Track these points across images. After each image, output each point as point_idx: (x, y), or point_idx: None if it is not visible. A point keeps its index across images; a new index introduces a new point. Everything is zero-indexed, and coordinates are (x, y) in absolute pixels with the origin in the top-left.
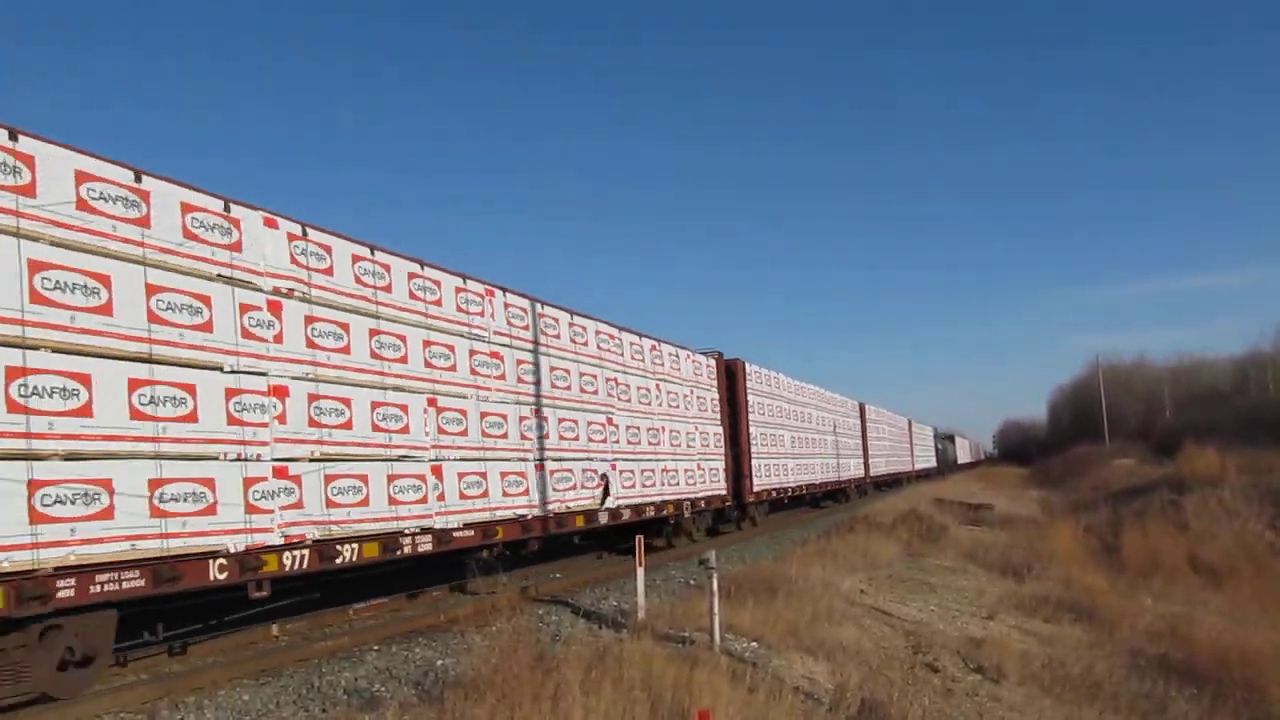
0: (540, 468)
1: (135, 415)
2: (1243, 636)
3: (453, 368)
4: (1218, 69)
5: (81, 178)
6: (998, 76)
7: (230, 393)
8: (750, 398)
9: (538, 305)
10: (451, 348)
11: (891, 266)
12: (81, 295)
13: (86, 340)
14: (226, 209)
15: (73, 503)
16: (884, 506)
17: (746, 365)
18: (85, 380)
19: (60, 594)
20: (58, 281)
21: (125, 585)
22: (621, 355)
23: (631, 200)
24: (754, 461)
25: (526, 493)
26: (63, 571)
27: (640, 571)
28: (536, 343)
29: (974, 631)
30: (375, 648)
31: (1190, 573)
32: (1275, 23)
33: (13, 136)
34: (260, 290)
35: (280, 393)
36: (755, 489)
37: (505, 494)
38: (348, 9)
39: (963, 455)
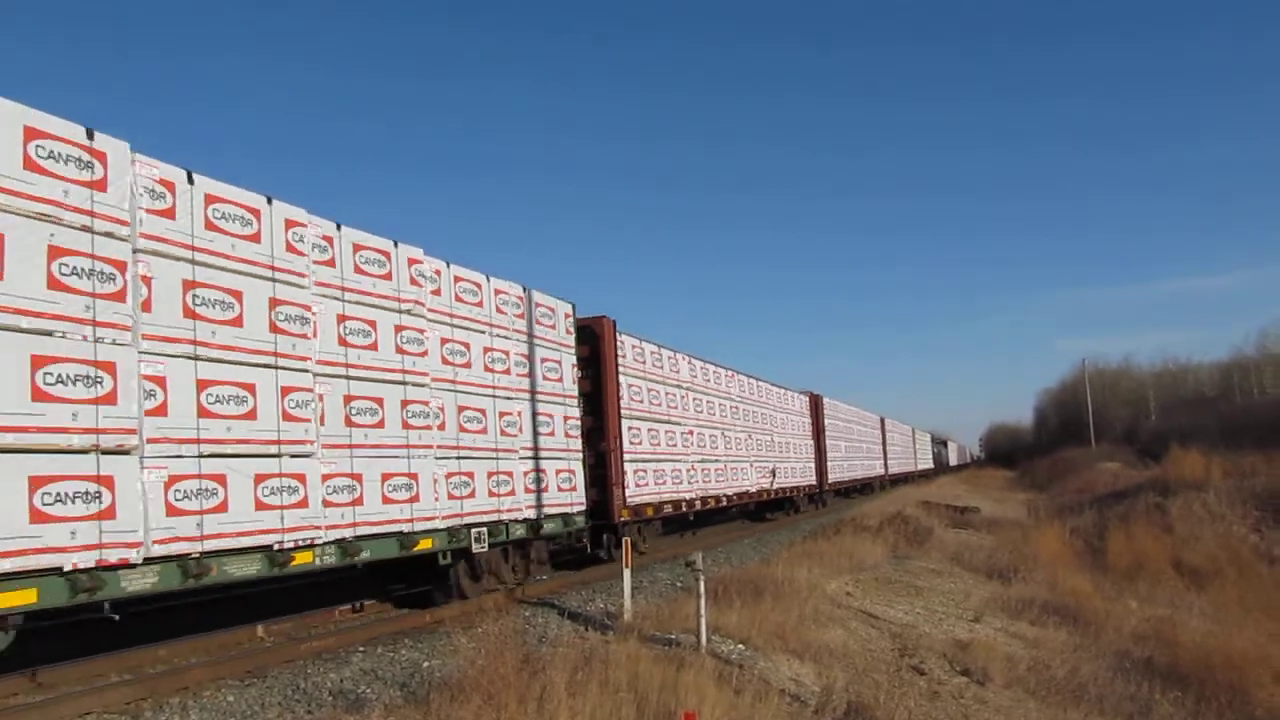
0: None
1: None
2: (1226, 639)
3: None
4: (1209, 70)
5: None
6: (985, 77)
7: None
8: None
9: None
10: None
11: (873, 266)
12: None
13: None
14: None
15: None
16: (870, 509)
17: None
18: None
19: None
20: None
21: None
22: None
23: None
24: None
25: None
26: None
27: (627, 573)
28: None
29: (960, 634)
30: (361, 649)
31: (1175, 575)
32: (1265, 23)
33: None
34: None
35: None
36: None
37: None
38: (344, 9)
39: (952, 458)
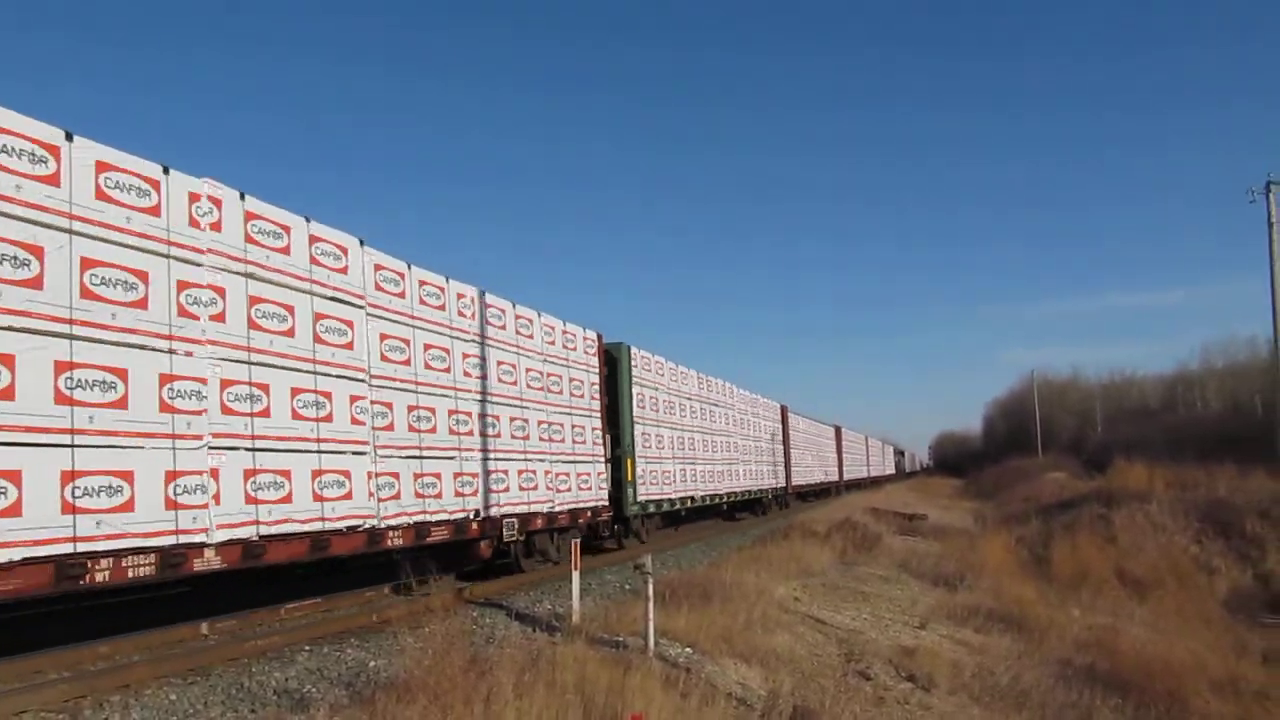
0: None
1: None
2: (1165, 648)
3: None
4: (1163, 82)
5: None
6: (936, 88)
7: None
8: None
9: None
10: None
11: (824, 276)
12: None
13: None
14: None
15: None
16: (819, 515)
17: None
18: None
19: None
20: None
21: None
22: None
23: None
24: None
25: None
26: None
27: (576, 575)
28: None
29: (906, 640)
30: (306, 648)
31: (1117, 585)
32: (1202, 37)
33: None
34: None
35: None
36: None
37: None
38: (338, 9)
39: (894, 465)
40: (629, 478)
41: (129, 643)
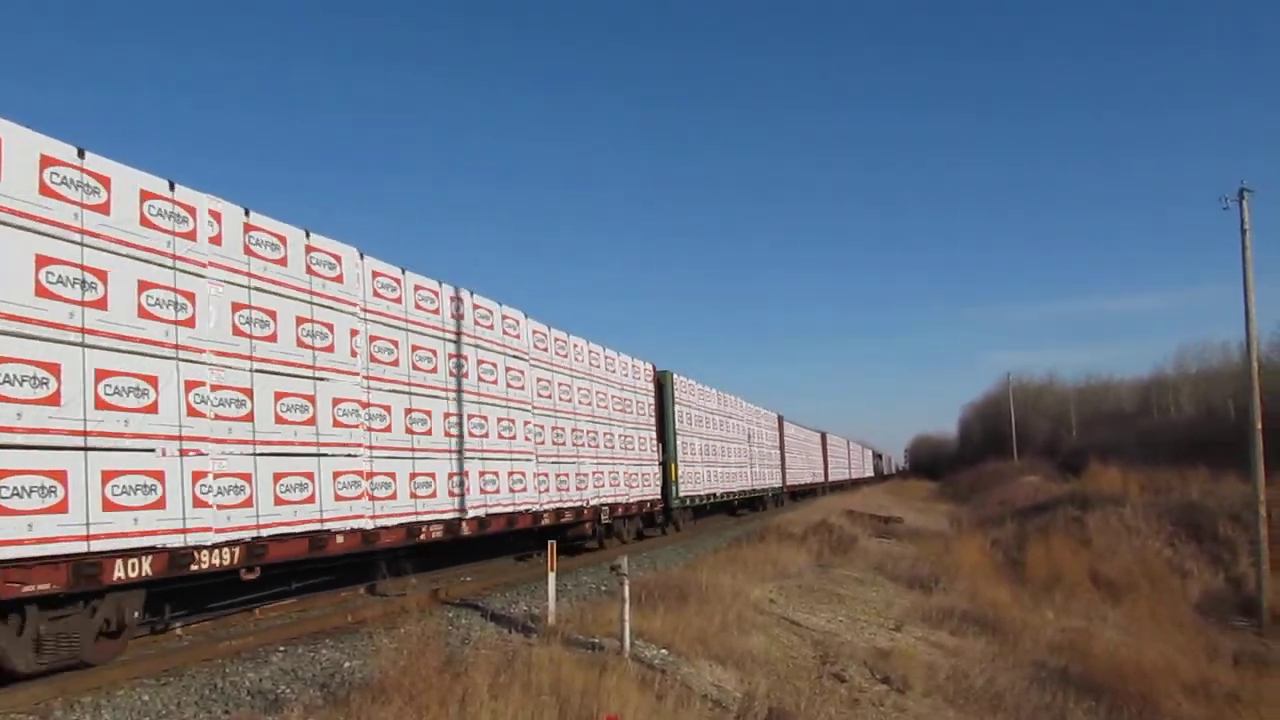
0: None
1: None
2: (1138, 650)
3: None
4: (1152, 83)
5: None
6: (914, 90)
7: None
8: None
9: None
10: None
11: (801, 278)
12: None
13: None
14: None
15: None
16: (795, 517)
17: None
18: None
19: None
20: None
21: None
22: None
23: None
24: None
25: None
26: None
27: (552, 576)
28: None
29: (881, 642)
30: (281, 648)
31: (1091, 587)
32: (1185, 38)
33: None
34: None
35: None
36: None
37: None
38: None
39: (873, 468)
40: (674, 477)
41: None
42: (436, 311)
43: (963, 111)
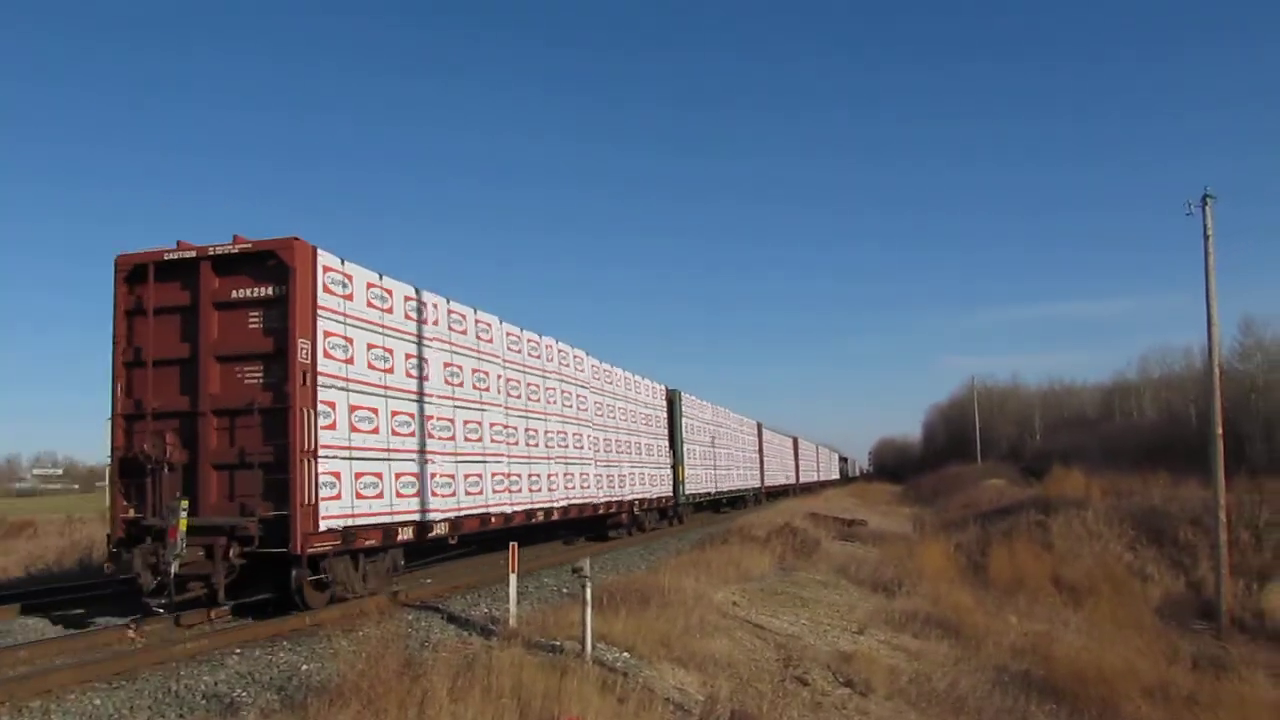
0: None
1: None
2: (1099, 654)
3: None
4: (1108, 90)
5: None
6: (877, 91)
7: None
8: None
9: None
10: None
11: (761, 277)
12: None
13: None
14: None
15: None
16: (758, 519)
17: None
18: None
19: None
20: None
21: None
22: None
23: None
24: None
25: None
26: None
27: (513, 578)
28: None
29: (844, 646)
30: (237, 651)
31: (1053, 591)
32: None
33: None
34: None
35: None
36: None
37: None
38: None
39: (838, 471)
40: (681, 478)
41: (51, 646)
42: (548, 359)
43: (921, 114)
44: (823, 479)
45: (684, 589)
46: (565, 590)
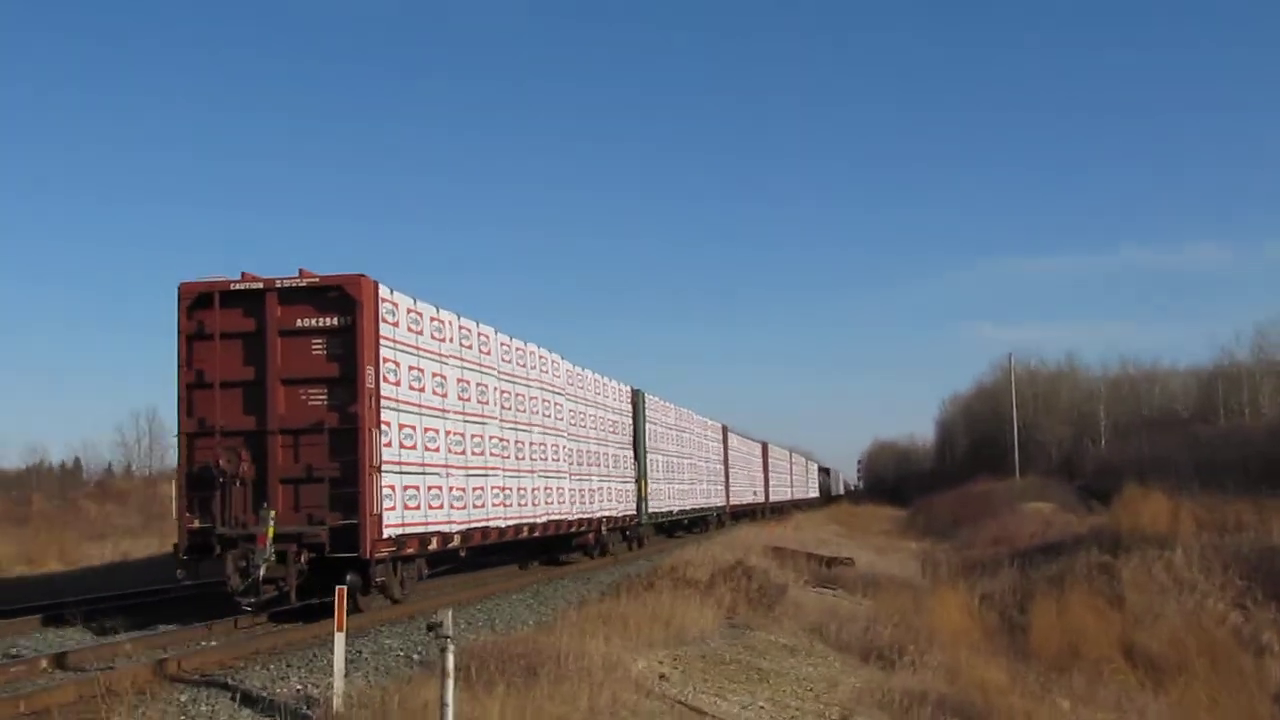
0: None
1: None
2: None
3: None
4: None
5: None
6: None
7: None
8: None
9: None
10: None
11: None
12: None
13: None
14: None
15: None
16: (699, 554)
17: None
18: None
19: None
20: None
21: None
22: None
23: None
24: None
25: None
26: None
27: (340, 639)
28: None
29: None
30: None
31: (1124, 666)
32: None
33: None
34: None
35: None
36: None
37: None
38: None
39: (818, 487)
40: (644, 494)
41: None
42: (531, 367)
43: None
44: (796, 497)
45: (588, 654)
46: (416, 655)
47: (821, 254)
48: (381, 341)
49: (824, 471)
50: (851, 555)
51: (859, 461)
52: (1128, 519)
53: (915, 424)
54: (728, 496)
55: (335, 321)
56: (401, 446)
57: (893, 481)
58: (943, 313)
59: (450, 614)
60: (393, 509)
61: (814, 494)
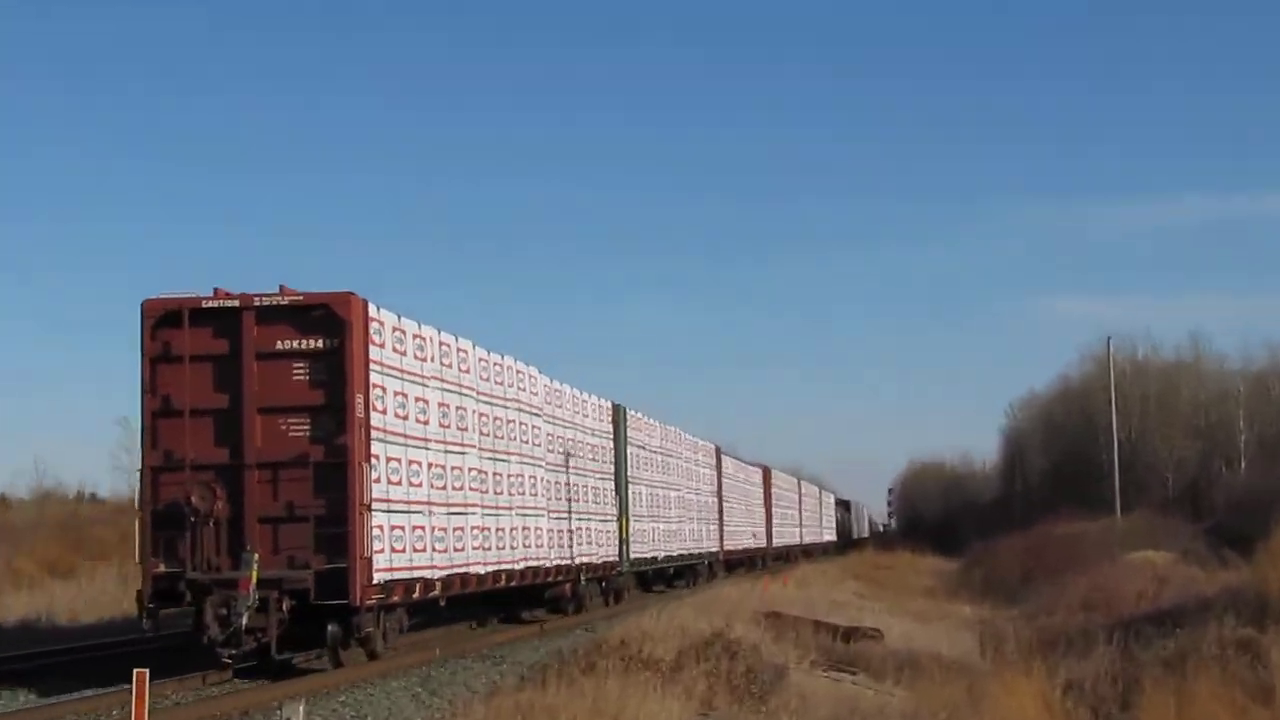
0: None
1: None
2: None
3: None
4: None
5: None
6: None
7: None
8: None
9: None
10: None
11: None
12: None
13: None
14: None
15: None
16: (657, 627)
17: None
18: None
19: None
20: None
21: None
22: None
23: None
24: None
25: None
26: None
27: None
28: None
29: None
30: None
31: None
32: None
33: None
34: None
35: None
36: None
37: None
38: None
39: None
40: (626, 535)
41: None
42: (509, 384)
43: None
44: (808, 540)
45: None
46: None
47: (844, 203)
48: (370, 366)
49: (843, 505)
50: (879, 624)
51: (890, 490)
52: (1276, 577)
53: (969, 437)
54: (721, 538)
55: (320, 344)
56: (389, 482)
57: (937, 518)
58: (1004, 279)
59: (302, 707)
60: (381, 551)
61: (829, 535)
